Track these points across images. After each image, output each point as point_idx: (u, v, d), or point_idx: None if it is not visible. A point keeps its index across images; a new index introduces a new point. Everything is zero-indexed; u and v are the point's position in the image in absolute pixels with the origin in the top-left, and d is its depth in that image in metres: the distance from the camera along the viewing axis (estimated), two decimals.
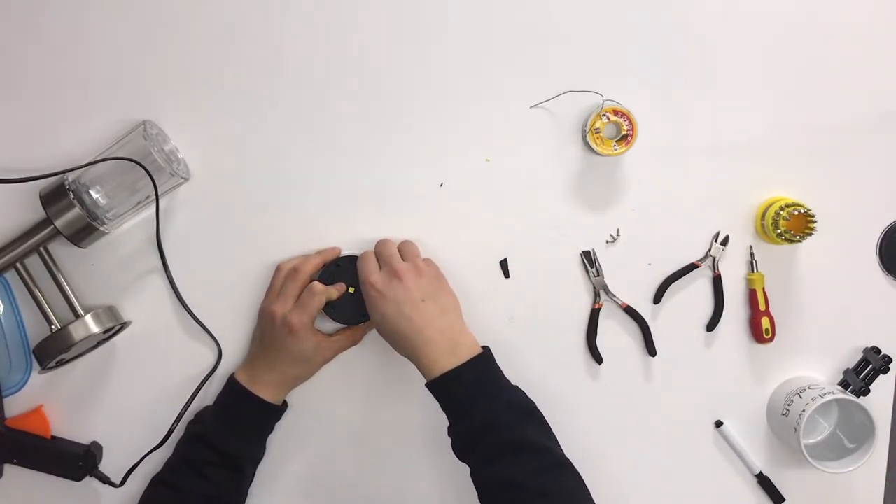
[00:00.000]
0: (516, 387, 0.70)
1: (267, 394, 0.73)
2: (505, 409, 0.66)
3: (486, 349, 0.70)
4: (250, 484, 0.76)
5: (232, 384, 0.74)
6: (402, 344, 0.69)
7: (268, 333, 0.73)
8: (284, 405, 0.77)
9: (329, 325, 0.77)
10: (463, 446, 0.67)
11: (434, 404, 0.80)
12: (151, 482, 0.74)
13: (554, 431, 0.70)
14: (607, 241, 0.80)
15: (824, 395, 0.76)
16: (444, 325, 0.69)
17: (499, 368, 0.70)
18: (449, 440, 0.68)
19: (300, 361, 0.73)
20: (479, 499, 0.66)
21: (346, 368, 0.78)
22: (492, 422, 0.64)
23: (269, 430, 0.76)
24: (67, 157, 0.72)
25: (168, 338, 0.77)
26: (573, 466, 0.66)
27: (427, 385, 0.68)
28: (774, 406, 0.82)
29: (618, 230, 0.80)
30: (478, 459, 0.65)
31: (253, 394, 0.72)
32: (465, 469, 0.78)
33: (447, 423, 0.68)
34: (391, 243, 0.74)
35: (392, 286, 0.69)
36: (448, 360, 0.67)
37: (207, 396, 0.77)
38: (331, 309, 0.75)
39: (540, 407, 0.73)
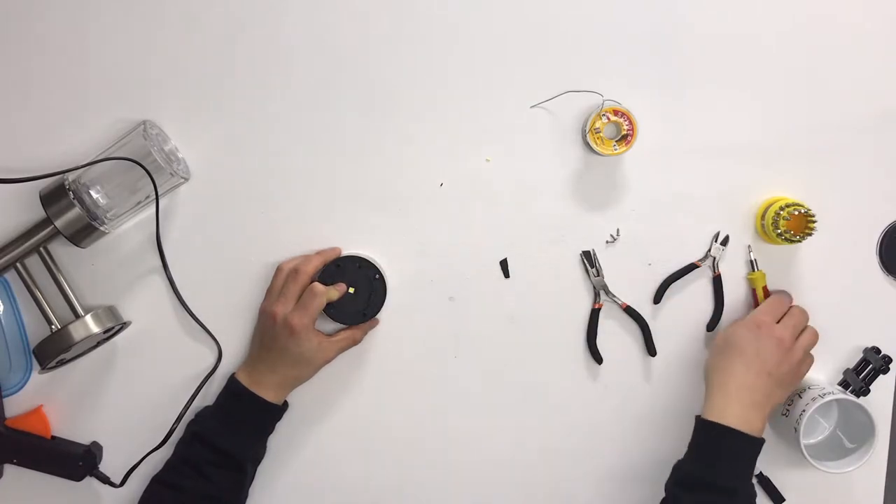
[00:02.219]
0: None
1: (268, 394, 0.73)
2: (748, 490, 0.70)
3: (763, 441, 0.71)
4: (251, 484, 0.76)
5: (232, 384, 0.74)
6: (727, 382, 0.72)
7: (268, 334, 0.73)
8: (285, 405, 0.77)
9: (329, 326, 0.77)
10: (689, 486, 0.70)
11: (434, 405, 0.80)
12: (151, 482, 0.74)
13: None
14: (607, 241, 0.80)
15: (824, 395, 0.76)
16: (763, 406, 0.71)
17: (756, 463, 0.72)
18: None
19: (301, 362, 0.73)
20: None
21: (346, 368, 0.78)
22: (734, 490, 0.68)
23: (270, 430, 0.76)
24: (67, 157, 0.72)
25: (168, 338, 0.77)
26: None
27: (706, 421, 0.70)
28: None
29: (618, 230, 0.80)
30: (695, 500, 0.69)
31: (254, 394, 0.72)
32: (462, 468, 0.78)
33: (677, 457, 0.72)
34: (801, 312, 0.76)
35: (776, 349, 0.71)
36: (739, 423, 0.69)
37: (207, 396, 0.77)
38: (331, 309, 0.75)
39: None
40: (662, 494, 0.82)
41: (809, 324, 0.77)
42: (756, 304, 0.80)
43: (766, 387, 0.71)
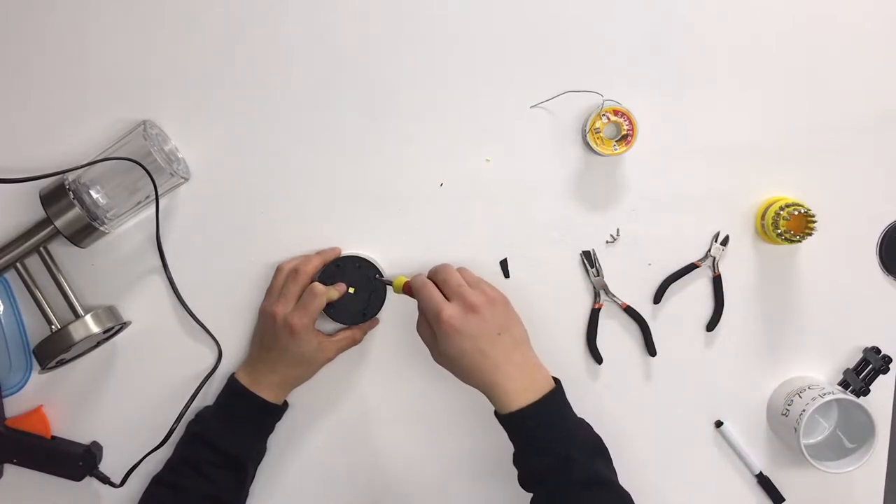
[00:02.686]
0: (582, 419, 0.69)
1: (268, 394, 0.73)
2: (578, 446, 0.66)
3: (557, 383, 0.69)
4: (251, 483, 0.75)
5: (232, 384, 0.74)
6: (475, 378, 0.67)
7: (269, 334, 0.73)
8: (285, 405, 0.77)
9: (329, 325, 0.77)
10: (533, 479, 0.66)
11: (434, 404, 0.80)
12: (152, 482, 0.74)
13: None
14: (607, 241, 0.80)
15: (824, 395, 0.76)
16: (520, 359, 0.67)
17: (568, 402, 0.69)
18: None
19: (301, 362, 0.73)
20: None
21: (346, 368, 0.78)
22: (567, 458, 0.64)
23: (270, 429, 0.76)
24: (67, 157, 0.72)
25: (168, 338, 0.77)
26: (630, 497, 0.66)
27: (499, 417, 0.67)
28: (774, 406, 0.82)
29: (618, 230, 0.80)
30: (548, 492, 0.65)
31: (254, 394, 0.72)
32: (464, 470, 0.78)
33: (512, 451, 0.68)
34: (453, 270, 0.71)
35: (468, 321, 0.66)
36: (524, 396, 0.65)
37: (207, 396, 0.77)
38: (331, 309, 0.75)
39: None
40: (667, 495, 0.82)
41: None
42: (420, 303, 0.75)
43: (505, 346, 0.66)
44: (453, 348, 0.66)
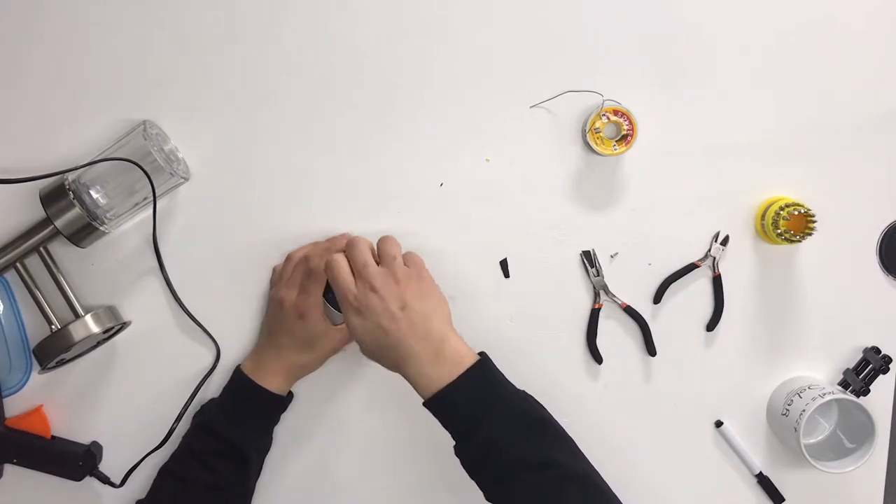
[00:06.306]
0: (520, 393, 0.65)
1: (272, 383, 0.73)
2: (504, 426, 0.62)
3: (479, 360, 0.64)
4: (257, 477, 0.76)
5: (237, 375, 0.74)
6: (386, 359, 0.65)
7: (276, 319, 0.73)
8: (290, 396, 0.77)
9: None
10: (468, 467, 0.63)
11: None
12: (159, 472, 0.74)
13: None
14: (611, 256, 0.80)
15: (824, 395, 0.76)
16: (423, 332, 0.64)
17: (496, 377, 0.65)
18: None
19: (307, 347, 0.73)
20: None
21: (352, 361, 0.78)
22: (490, 442, 0.61)
23: (275, 421, 0.76)
24: (67, 157, 0.72)
25: (168, 338, 0.77)
26: (586, 475, 0.62)
27: (423, 405, 0.64)
28: (774, 406, 0.82)
29: (616, 253, 0.80)
30: (483, 481, 0.63)
31: (258, 384, 0.72)
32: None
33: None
34: (363, 246, 0.68)
35: (368, 300, 0.64)
36: (434, 371, 0.63)
37: (207, 396, 0.77)
38: (334, 301, 0.75)
39: None
40: (667, 495, 0.82)
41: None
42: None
43: (410, 322, 0.64)
44: (358, 330, 0.65)
